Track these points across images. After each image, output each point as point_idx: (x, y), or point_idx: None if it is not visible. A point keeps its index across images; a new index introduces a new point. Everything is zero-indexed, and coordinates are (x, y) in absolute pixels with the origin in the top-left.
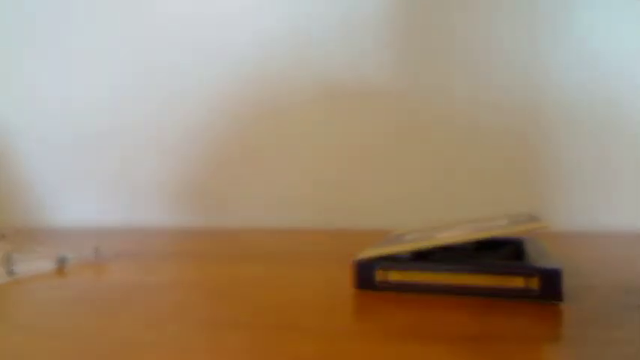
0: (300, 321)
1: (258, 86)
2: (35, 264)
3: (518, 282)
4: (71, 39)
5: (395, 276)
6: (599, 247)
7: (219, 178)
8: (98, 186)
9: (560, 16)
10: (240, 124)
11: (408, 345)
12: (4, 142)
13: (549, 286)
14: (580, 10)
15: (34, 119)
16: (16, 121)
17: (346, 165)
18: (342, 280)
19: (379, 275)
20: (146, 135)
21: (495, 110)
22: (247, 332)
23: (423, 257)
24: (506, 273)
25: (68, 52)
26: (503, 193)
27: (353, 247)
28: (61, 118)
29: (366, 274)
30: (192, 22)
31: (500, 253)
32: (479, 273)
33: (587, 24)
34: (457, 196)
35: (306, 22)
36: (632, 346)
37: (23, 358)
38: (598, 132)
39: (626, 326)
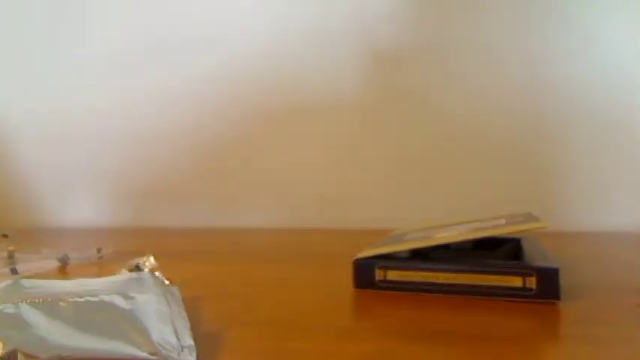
0: (300, 319)
1: (258, 86)
2: (38, 263)
3: (516, 281)
4: (69, 38)
5: (394, 275)
6: (596, 247)
7: (221, 179)
8: (100, 186)
9: (561, 20)
10: (241, 124)
11: (407, 343)
12: (5, 143)
13: (547, 285)
14: (581, 15)
15: (34, 120)
16: (16, 121)
17: (347, 165)
18: (343, 279)
19: (378, 274)
20: (148, 135)
21: (496, 111)
22: (248, 330)
23: (422, 256)
24: (504, 272)
25: (67, 51)
26: (502, 193)
27: (353, 247)
28: (62, 118)
29: (365, 274)
30: (192, 22)
31: (498, 252)
32: (477, 272)
33: (588, 28)
34: (457, 197)
35: (306, 23)
36: (629, 345)
37: None
38: (595, 133)
39: (623, 325)
